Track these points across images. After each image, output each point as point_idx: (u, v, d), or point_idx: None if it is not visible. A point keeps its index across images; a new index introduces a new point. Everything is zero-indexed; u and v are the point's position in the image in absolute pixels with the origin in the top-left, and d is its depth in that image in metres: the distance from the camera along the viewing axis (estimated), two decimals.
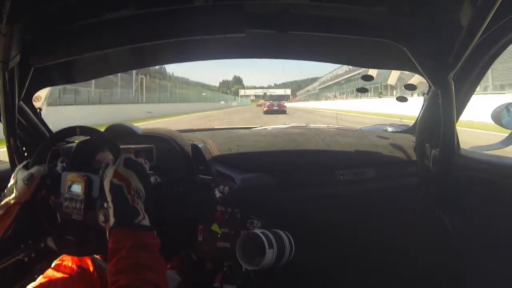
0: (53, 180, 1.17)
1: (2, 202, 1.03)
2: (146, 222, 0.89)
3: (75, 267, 1.24)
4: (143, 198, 0.94)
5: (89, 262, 1.28)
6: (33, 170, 1.08)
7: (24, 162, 1.12)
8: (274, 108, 28.94)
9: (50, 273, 1.22)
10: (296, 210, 1.55)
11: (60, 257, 1.28)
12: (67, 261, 1.26)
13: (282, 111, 28.37)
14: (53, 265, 1.26)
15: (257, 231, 1.24)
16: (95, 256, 1.29)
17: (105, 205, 1.03)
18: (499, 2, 0.95)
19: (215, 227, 1.39)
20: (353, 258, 1.70)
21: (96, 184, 1.10)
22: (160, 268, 0.83)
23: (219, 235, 1.39)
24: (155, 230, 0.91)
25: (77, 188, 1.11)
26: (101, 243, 1.08)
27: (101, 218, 1.05)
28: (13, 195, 1.04)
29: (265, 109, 29.94)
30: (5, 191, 1.07)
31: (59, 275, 1.20)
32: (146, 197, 0.95)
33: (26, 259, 1.46)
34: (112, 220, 0.88)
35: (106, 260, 1.24)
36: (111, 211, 0.90)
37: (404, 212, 1.67)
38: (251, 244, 1.23)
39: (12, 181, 1.08)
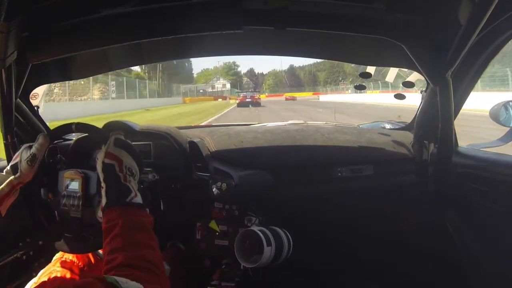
0: (50, 178, 1.16)
1: (8, 180, 1.03)
2: (138, 199, 0.88)
3: (75, 260, 1.24)
4: (137, 176, 0.94)
5: (90, 255, 1.28)
6: (34, 149, 1.07)
7: (28, 144, 1.10)
8: (247, 100, 27.44)
9: (51, 268, 1.22)
10: (294, 207, 1.56)
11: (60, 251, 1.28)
12: (68, 255, 1.26)
13: (256, 103, 26.86)
14: (53, 260, 1.26)
15: (255, 228, 1.25)
16: None
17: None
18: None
19: (213, 224, 1.40)
20: (351, 255, 1.71)
21: (93, 180, 1.10)
22: (154, 245, 0.81)
23: (217, 233, 1.39)
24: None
25: (74, 185, 1.11)
26: (99, 240, 1.08)
27: (99, 214, 1.04)
28: (18, 174, 1.05)
29: (238, 100, 28.51)
30: (9, 167, 1.07)
31: (59, 269, 1.20)
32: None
33: (24, 257, 1.46)
34: (104, 200, 0.87)
35: None
36: (103, 192, 0.88)
37: (402, 209, 1.68)
38: (249, 242, 1.23)
39: (17, 160, 1.07)
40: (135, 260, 0.73)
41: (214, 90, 63.73)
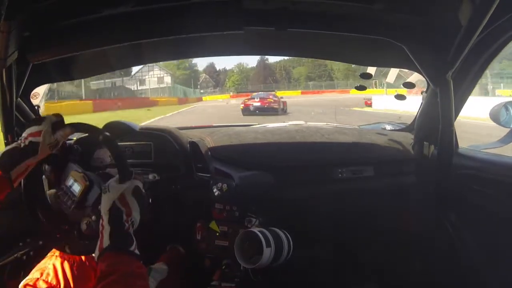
0: (60, 163, 1.16)
1: (26, 161, 1.01)
2: (137, 251, 0.89)
3: (67, 256, 1.25)
4: (134, 229, 0.94)
5: None
6: (59, 136, 1.06)
7: (52, 122, 1.06)
8: (255, 105, 17.41)
9: (43, 265, 1.22)
10: (294, 208, 1.55)
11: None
12: (59, 252, 1.26)
13: (271, 109, 16.97)
14: (46, 257, 1.26)
15: (255, 229, 1.25)
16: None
17: (93, 217, 1.04)
18: (498, 0, 0.95)
19: (213, 225, 1.40)
20: (351, 256, 1.71)
21: (94, 193, 1.09)
22: None
23: (217, 233, 1.39)
24: (152, 228, 0.90)
25: (76, 188, 1.11)
26: (91, 244, 1.08)
27: (84, 226, 1.05)
28: (37, 155, 1.03)
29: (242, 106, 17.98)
30: (27, 142, 1.02)
31: (50, 266, 1.21)
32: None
33: (24, 257, 1.46)
34: (106, 241, 0.87)
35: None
36: (105, 232, 0.88)
37: (402, 210, 1.68)
38: (249, 243, 1.23)
39: (37, 138, 1.03)
40: None
41: (144, 87, 40.06)
